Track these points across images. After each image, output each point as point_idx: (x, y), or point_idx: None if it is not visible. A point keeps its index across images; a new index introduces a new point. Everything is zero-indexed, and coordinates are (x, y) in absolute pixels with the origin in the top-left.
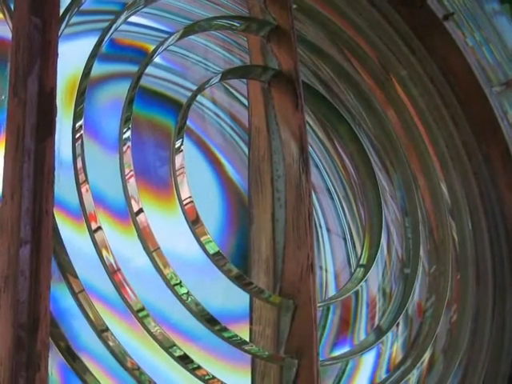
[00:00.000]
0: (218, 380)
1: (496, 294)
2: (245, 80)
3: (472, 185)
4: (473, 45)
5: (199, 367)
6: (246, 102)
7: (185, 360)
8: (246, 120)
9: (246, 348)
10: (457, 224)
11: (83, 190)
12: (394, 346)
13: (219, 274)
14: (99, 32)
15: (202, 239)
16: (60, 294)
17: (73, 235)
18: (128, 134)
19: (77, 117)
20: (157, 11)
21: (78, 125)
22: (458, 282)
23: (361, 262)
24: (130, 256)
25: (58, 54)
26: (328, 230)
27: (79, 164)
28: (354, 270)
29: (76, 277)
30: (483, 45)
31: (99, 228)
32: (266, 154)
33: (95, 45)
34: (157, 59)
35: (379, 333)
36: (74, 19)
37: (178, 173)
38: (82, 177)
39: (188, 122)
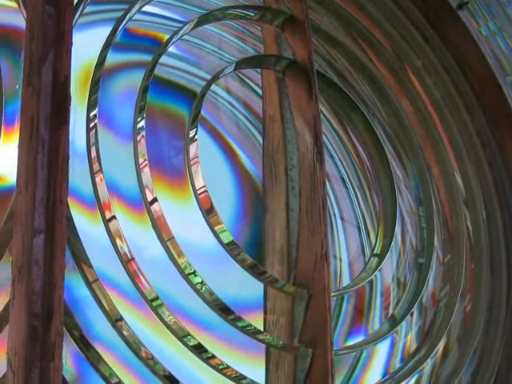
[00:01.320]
0: (233, 369)
1: (510, 284)
2: (259, 69)
3: (486, 174)
4: (487, 34)
5: (213, 356)
6: (260, 91)
7: (199, 349)
8: (260, 109)
9: (261, 337)
10: (471, 214)
11: (97, 179)
12: (408, 335)
13: (233, 264)
14: (113, 21)
15: (216, 228)
16: (74, 284)
17: (87, 225)
18: (142, 123)
19: (91, 106)
20: (171, 1)
21: (92, 114)
22: (472, 272)
23: (375, 252)
24: (145, 245)
25: (72, 44)
26: (342, 220)
27: (93, 153)
28: (368, 260)
29: (90, 266)
30: (497, 34)
31: (113, 217)
32: (280, 143)
33: (109, 34)
34: (171, 49)
35: (393, 322)
36: (88, 8)
37: (192, 162)
38: (96, 166)
39: (202, 112)
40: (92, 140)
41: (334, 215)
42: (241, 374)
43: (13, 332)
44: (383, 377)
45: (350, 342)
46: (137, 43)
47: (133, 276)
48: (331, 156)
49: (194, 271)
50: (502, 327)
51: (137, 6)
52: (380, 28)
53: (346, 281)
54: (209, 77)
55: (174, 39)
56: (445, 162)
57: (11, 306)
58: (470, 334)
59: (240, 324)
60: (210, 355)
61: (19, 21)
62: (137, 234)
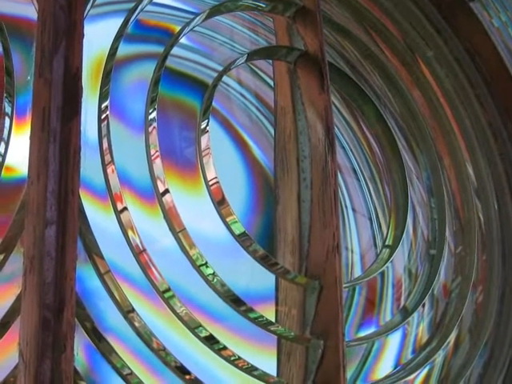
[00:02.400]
0: (244, 361)
1: None
2: (271, 61)
3: (498, 165)
4: (498, 26)
5: (225, 348)
6: (271, 82)
7: (211, 341)
8: (272, 101)
9: (272, 329)
10: (483, 204)
11: (109, 170)
12: (419, 326)
13: (245, 255)
14: (125, 13)
15: (227, 220)
16: (86, 275)
17: (98, 216)
18: (154, 114)
19: (103, 97)
20: None
21: (103, 105)
22: (483, 263)
23: (387, 243)
24: (156, 237)
25: (83, 35)
26: (354, 211)
27: (105, 145)
28: (380, 251)
29: (102, 257)
30: (509, 26)
31: (125, 209)
32: (291, 134)
33: (121, 25)
34: (182, 40)
35: (405, 313)
36: (100, 0)
37: (203, 153)
38: (107, 157)
39: (214, 103)
40: (104, 131)
41: (346, 206)
42: (252, 365)
43: (24, 323)
44: (395, 368)
45: (362, 334)
46: (148, 34)
47: (144, 267)
48: (343, 147)
49: (206, 262)
50: None
51: None
52: (392, 19)
53: (357, 272)
54: (220, 68)
55: (186, 30)
56: (456, 153)
57: (23, 297)
58: (482, 326)
59: (251, 315)
60: (221, 346)
61: (31, 12)
62: (148, 225)
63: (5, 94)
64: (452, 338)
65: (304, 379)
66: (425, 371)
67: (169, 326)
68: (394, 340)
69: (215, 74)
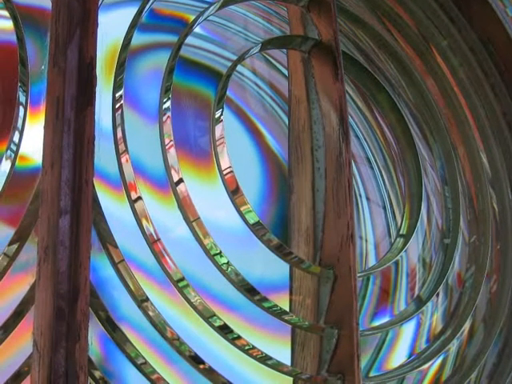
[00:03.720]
0: (258, 350)
1: None
2: (285, 50)
3: None
4: None
5: (239, 337)
6: (285, 71)
7: (225, 330)
8: (286, 90)
9: (286, 318)
10: (497, 194)
11: (123, 159)
12: (434, 316)
13: (259, 244)
14: (139, 2)
15: (241, 209)
16: (100, 264)
17: (113, 205)
18: (168, 104)
19: (117, 87)
20: None
21: (118, 95)
22: (498, 252)
23: (401, 232)
24: (170, 226)
25: (97, 24)
26: (368, 200)
27: (119, 134)
28: (394, 240)
29: (116, 247)
30: None
31: (139, 198)
32: (305, 124)
33: (135, 15)
34: (197, 29)
35: (419, 303)
36: None
37: (218, 143)
38: (121, 147)
39: (228, 92)
40: (118, 121)
41: (360, 196)
42: (266, 355)
43: (39, 313)
44: (409, 357)
45: (376, 323)
46: (162, 24)
47: (158, 256)
48: (357, 136)
49: (220, 252)
50: None
51: None
52: (406, 8)
53: (371, 261)
54: (234, 57)
55: (200, 20)
56: (470, 143)
57: (37, 286)
58: (496, 315)
59: (266, 305)
60: (235, 336)
61: (45, 2)
62: (162, 214)
63: (19, 84)
64: (466, 327)
65: (318, 368)
66: (439, 360)
67: (183, 315)
68: (408, 329)
69: (229, 64)
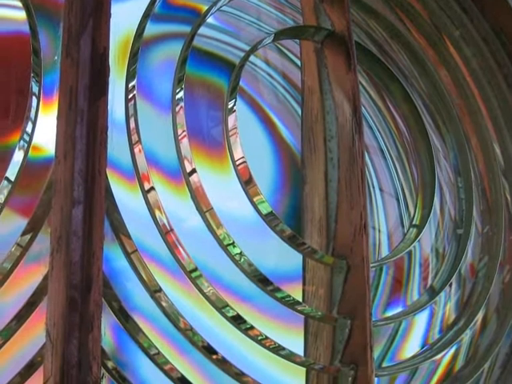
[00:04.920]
0: (271, 340)
1: None
2: (298, 40)
3: None
4: None
5: (252, 327)
6: (298, 62)
7: (238, 320)
8: (299, 80)
9: (299, 308)
10: (510, 184)
11: (136, 150)
12: (446, 306)
13: (272, 235)
14: None
15: (254, 199)
16: (113, 255)
17: (126, 196)
18: (181, 94)
19: (130, 77)
20: None
21: (130, 85)
22: (510, 243)
23: (414, 223)
24: (183, 216)
25: (110, 14)
26: (381, 190)
27: (132, 124)
28: (407, 231)
29: (129, 237)
30: None
31: (152, 188)
32: (318, 114)
33: (148, 5)
34: (210, 20)
35: (432, 293)
36: None
37: (230, 133)
38: (135, 137)
39: (241, 83)
40: (131, 111)
41: (373, 186)
42: (279, 345)
43: (51, 303)
44: (422, 348)
45: (389, 313)
46: (175, 14)
47: (172, 247)
48: (370, 127)
49: (233, 242)
50: None
51: None
52: None
53: (384, 252)
54: (247, 48)
55: (213, 10)
56: (483, 133)
57: (50, 277)
58: (509, 305)
59: (279, 295)
60: (248, 326)
61: None
62: (175, 205)
63: (32, 74)
64: (479, 317)
65: (331, 359)
66: (452, 351)
67: (196, 305)
68: (421, 319)
69: (242, 54)
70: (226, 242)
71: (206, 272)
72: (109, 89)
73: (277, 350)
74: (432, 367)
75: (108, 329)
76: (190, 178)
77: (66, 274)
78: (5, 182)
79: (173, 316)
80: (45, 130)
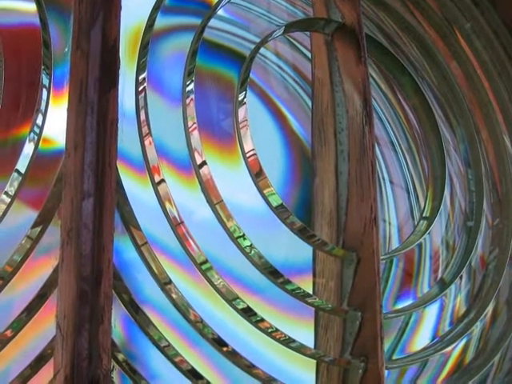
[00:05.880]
0: (281, 332)
1: None
2: (308, 33)
3: None
4: None
5: (262, 320)
6: (309, 54)
7: (248, 313)
8: (310, 72)
9: (309, 300)
10: None
11: (146, 142)
12: (457, 298)
13: (282, 227)
14: None
15: (265, 192)
16: (123, 247)
17: (136, 188)
18: (191, 86)
19: (140, 69)
20: None
21: (141, 77)
22: None
23: (424, 215)
24: (194, 208)
25: (121, 7)
26: (391, 183)
27: (142, 116)
28: (418, 223)
29: (139, 229)
30: None
31: (162, 181)
32: (329, 106)
33: None
34: (220, 12)
35: (442, 285)
36: None
37: (241, 125)
38: (145, 129)
39: (251, 75)
40: (141, 103)
41: (383, 178)
42: (290, 338)
43: (62, 296)
44: (432, 340)
45: (399, 306)
46: (186, 6)
47: (182, 239)
48: (380, 119)
49: (243, 234)
50: None
51: None
52: None
53: (395, 244)
54: (258, 40)
55: (223, 2)
56: (494, 125)
57: (60, 269)
58: None
59: (289, 287)
60: (258, 318)
61: None
62: (186, 197)
63: (42, 66)
64: (489, 309)
65: (341, 351)
66: (462, 343)
67: (206, 297)
68: (431, 312)
69: (253, 46)
70: (236, 235)
71: (216, 264)
72: (119, 81)
73: (287, 342)
74: (442, 359)
75: (118, 321)
76: (201, 171)
77: (77, 267)
78: (15, 175)
79: (183, 308)
80: (55, 122)
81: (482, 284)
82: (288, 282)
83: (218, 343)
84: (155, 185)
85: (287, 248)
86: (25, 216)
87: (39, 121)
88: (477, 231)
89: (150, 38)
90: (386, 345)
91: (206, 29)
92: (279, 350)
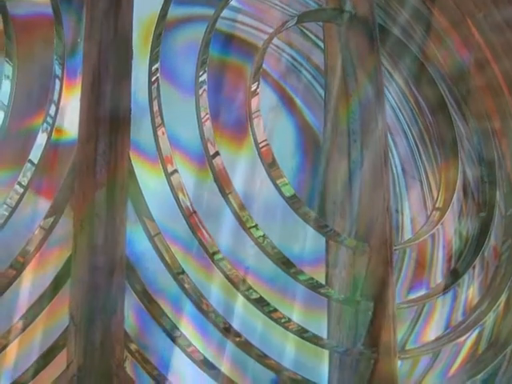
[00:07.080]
0: (294, 323)
1: None
2: (321, 23)
3: None
4: None
5: (275, 310)
6: (321, 44)
7: (261, 303)
8: (322, 62)
9: (322, 291)
10: None
11: (159, 133)
12: (470, 288)
13: (295, 217)
14: None
15: (277, 182)
16: (136, 237)
17: (149, 178)
18: (204, 77)
19: (153, 60)
20: None
21: (154, 68)
22: None
23: (437, 205)
24: (206, 199)
25: None
26: (404, 173)
27: (155, 107)
28: (430, 213)
29: (152, 220)
30: None
31: (175, 171)
32: (341, 96)
33: None
34: (233, 2)
35: (455, 276)
36: None
37: (253, 116)
38: (158, 120)
39: (264, 65)
40: (154, 94)
41: (396, 168)
42: (302, 328)
43: (74, 286)
44: (445, 330)
45: (412, 296)
46: None
47: (194, 229)
48: (392, 108)
49: (256, 225)
50: None
51: None
52: None
53: (407, 234)
54: (271, 30)
55: None
56: (506, 116)
57: (73, 260)
58: None
59: (302, 277)
60: (271, 309)
61: None
62: (198, 187)
63: (55, 57)
64: (502, 300)
65: (354, 341)
66: (475, 333)
67: (219, 287)
68: (444, 302)
69: (266, 37)
70: (248, 225)
71: (228, 254)
72: (132, 71)
73: (300, 332)
74: (455, 350)
75: (131, 311)
76: (213, 161)
77: (89, 257)
78: (28, 165)
79: (196, 298)
80: (68, 112)
81: (495, 274)
82: (300, 272)
83: (231, 333)
84: (168, 175)
85: (300, 238)
86: (37, 206)
87: (52, 111)
88: (490, 221)
89: (163, 29)
90: (399, 335)
91: (219, 19)
92: (292, 340)
